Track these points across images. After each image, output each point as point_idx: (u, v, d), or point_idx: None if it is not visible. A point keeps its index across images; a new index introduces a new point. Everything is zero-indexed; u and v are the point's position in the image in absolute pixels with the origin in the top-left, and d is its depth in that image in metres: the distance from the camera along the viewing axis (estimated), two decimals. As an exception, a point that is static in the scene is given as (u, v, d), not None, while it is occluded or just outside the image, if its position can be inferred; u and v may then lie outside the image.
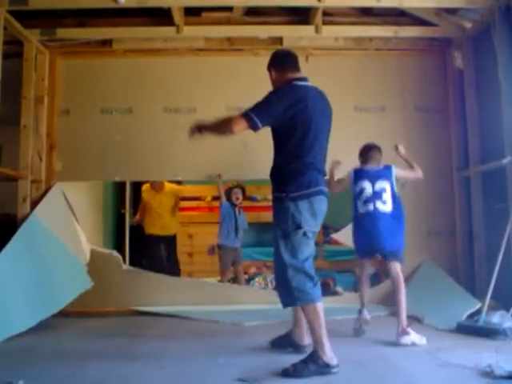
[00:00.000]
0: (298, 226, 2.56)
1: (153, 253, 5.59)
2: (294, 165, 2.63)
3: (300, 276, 2.55)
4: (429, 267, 4.37)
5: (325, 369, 2.47)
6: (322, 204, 2.66)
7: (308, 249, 2.62)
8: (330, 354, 2.50)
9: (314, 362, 2.48)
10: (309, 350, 2.63)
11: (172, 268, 5.50)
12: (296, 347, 2.91)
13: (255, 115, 2.59)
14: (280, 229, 2.62)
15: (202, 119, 2.75)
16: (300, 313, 2.80)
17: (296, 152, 2.63)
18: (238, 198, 5.22)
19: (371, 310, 4.18)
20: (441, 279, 4.20)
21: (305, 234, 2.58)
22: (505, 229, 3.45)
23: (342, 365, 2.56)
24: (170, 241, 5.73)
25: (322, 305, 2.56)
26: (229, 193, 5.25)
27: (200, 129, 2.69)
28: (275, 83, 2.86)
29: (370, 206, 3.38)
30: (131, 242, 5.65)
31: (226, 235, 5.16)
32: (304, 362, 2.49)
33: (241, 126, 2.58)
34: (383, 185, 3.38)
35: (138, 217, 5.74)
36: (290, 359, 2.69)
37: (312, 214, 2.60)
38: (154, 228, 5.59)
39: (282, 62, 2.86)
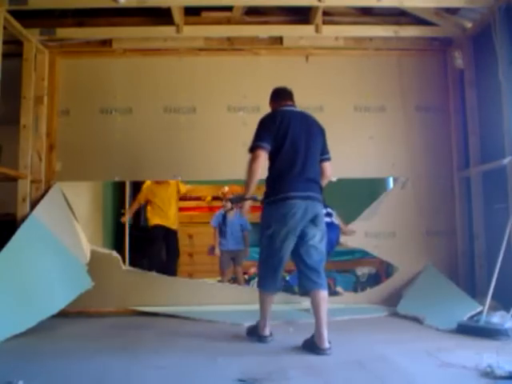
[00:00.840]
0: (268, 227, 3.03)
1: (155, 244, 5.60)
2: (271, 174, 3.09)
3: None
4: (429, 272, 4.34)
5: (261, 339, 3.17)
6: (289, 207, 2.97)
7: (271, 248, 3.06)
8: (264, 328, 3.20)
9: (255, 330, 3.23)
10: (329, 352, 2.84)
11: (171, 261, 5.55)
12: (316, 349, 2.87)
13: (259, 141, 3.04)
14: (260, 228, 3.17)
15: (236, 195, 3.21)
16: (316, 319, 2.95)
17: (274, 163, 3.07)
18: (229, 206, 5.55)
19: (371, 311, 4.20)
20: (441, 283, 4.17)
21: (272, 234, 3.01)
22: (505, 229, 3.45)
23: (341, 365, 2.57)
24: (173, 234, 5.74)
25: (269, 295, 3.19)
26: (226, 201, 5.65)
27: (242, 198, 3.19)
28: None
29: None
30: (132, 241, 5.66)
31: (220, 241, 5.54)
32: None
33: (257, 158, 3.00)
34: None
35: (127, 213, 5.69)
36: (289, 360, 2.71)
37: (282, 216, 2.97)
38: (158, 218, 5.61)
39: (276, 95, 3.35)
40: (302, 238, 3.02)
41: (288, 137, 3.02)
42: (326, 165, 3.22)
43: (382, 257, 4.77)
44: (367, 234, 4.59)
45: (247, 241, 5.59)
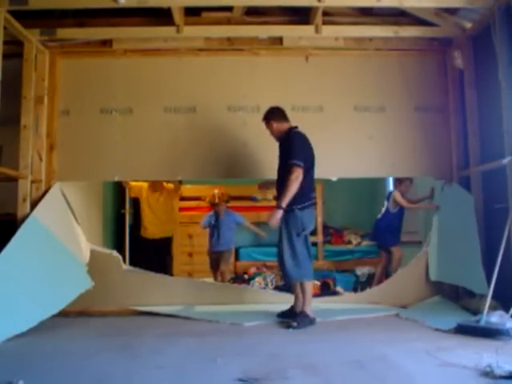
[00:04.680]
0: (303, 227, 3.75)
1: (147, 257, 5.60)
2: (302, 186, 3.66)
3: None
4: (437, 299, 4.32)
5: (314, 321, 3.67)
6: (313, 210, 3.87)
7: (306, 244, 3.82)
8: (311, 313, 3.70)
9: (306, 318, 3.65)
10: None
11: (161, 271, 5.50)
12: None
13: (298, 161, 3.63)
14: (292, 230, 3.83)
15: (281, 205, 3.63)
16: (297, 289, 3.84)
17: (304, 178, 3.66)
18: (218, 198, 5.50)
19: (371, 310, 4.20)
20: (448, 305, 4.16)
21: (305, 232, 3.77)
22: (504, 228, 3.45)
23: (341, 364, 2.57)
24: (164, 244, 5.75)
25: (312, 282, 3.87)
26: (211, 199, 5.57)
27: (279, 208, 3.62)
28: (274, 131, 3.94)
29: None
30: (131, 244, 5.68)
31: (211, 242, 5.56)
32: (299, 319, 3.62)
33: (299, 173, 3.61)
34: None
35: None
36: (289, 359, 2.71)
37: (311, 217, 3.86)
38: (148, 231, 5.63)
39: (282, 114, 3.94)
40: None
41: (310, 157, 3.79)
42: None
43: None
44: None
45: (252, 228, 5.60)
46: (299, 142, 3.75)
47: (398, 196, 5.06)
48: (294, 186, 3.58)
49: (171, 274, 5.76)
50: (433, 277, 4.27)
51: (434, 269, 4.27)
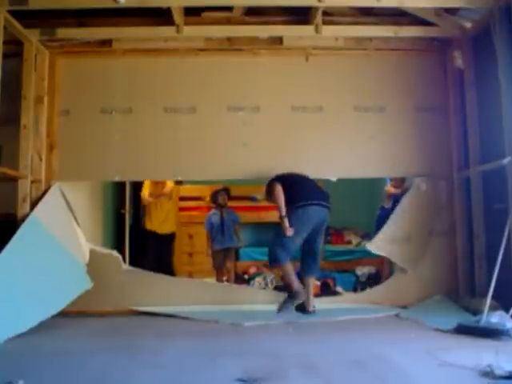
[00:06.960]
0: None
1: (149, 249, 5.73)
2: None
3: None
4: (439, 298, 4.32)
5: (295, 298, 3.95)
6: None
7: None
8: (298, 288, 3.97)
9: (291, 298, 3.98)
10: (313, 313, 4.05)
11: (164, 268, 5.53)
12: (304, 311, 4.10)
13: (274, 180, 4.10)
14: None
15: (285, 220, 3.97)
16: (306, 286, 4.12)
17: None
18: (224, 199, 5.55)
19: (371, 311, 4.20)
20: (449, 305, 4.16)
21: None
22: (504, 229, 3.45)
23: (341, 364, 2.57)
24: (167, 239, 5.88)
25: (289, 265, 4.01)
26: (215, 196, 5.58)
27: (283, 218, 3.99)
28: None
29: None
30: (131, 242, 5.70)
31: (218, 240, 5.51)
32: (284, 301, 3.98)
33: (279, 190, 4.02)
34: None
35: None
36: (289, 359, 2.72)
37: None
38: (152, 225, 5.78)
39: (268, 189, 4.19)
40: None
41: (292, 177, 4.18)
42: None
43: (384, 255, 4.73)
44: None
45: (239, 234, 5.59)
46: (275, 179, 4.16)
47: (388, 187, 5.12)
48: (276, 197, 4.05)
49: (173, 267, 5.85)
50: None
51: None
